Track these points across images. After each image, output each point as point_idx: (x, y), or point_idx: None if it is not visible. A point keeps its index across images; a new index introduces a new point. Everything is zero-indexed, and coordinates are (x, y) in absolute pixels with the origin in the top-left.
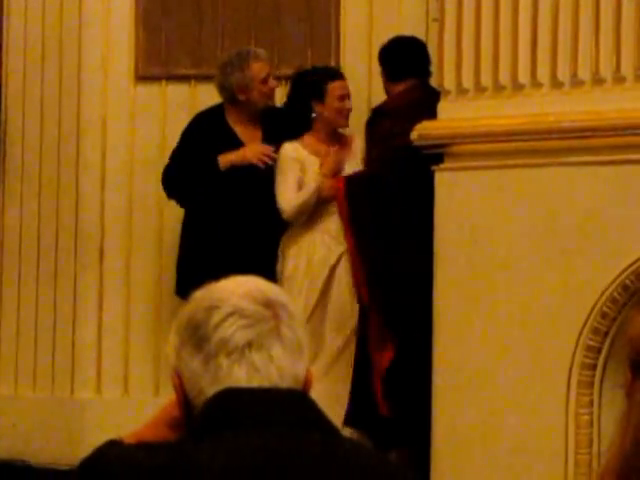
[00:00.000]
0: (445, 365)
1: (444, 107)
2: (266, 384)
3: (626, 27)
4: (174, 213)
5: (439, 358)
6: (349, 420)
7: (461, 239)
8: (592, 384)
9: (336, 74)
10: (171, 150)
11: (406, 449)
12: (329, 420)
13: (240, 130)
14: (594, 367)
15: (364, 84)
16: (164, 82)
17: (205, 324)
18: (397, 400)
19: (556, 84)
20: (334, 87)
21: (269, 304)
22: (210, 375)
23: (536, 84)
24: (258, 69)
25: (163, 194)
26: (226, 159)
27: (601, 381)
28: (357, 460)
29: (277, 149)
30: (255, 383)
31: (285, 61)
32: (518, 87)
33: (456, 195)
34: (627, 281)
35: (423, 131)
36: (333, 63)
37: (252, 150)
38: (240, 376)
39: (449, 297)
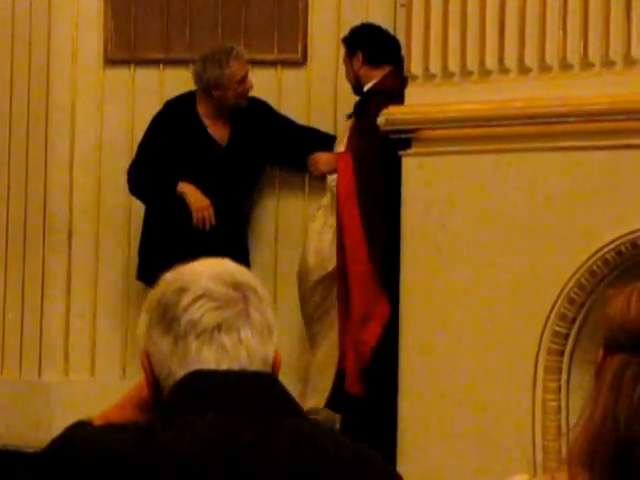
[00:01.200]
0: (410, 348)
1: (411, 92)
2: (235, 366)
3: (594, 13)
4: None
5: (405, 340)
6: (328, 403)
7: (428, 224)
8: (560, 370)
9: None
10: (139, 135)
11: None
12: (297, 404)
13: (210, 123)
14: (561, 353)
15: (331, 70)
16: (133, 66)
17: (175, 305)
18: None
19: (524, 70)
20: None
21: (238, 286)
22: (179, 356)
23: (504, 70)
24: (237, 68)
25: None
26: (182, 189)
27: (569, 367)
28: (324, 445)
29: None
30: (224, 365)
31: (252, 46)
32: (485, 73)
33: (423, 180)
34: (594, 267)
35: (390, 116)
36: (300, 49)
37: (197, 204)
38: (209, 358)
39: (416, 281)
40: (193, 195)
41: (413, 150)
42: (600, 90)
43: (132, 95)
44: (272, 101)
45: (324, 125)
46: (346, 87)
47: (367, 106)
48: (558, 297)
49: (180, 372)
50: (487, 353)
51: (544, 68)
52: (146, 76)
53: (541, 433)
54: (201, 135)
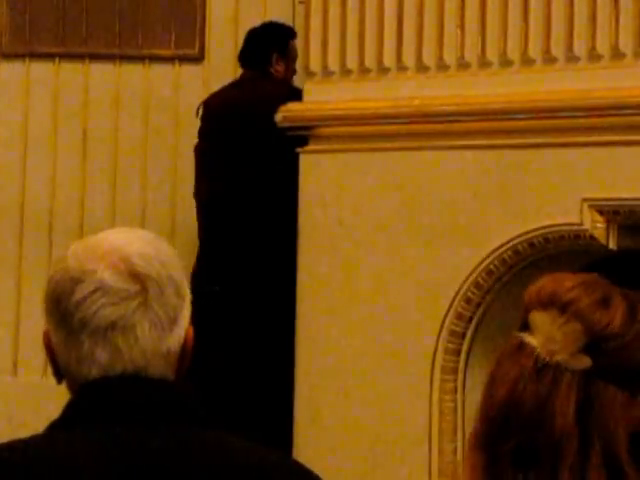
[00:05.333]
0: (306, 350)
1: (309, 89)
2: (130, 368)
3: (491, 12)
4: (42, 190)
5: (300, 343)
6: None
7: (325, 223)
8: (456, 370)
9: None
10: (33, 129)
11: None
12: (199, 410)
13: None
14: (458, 353)
15: (230, 66)
16: (27, 60)
17: (67, 299)
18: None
19: (422, 68)
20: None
21: (137, 278)
22: (73, 352)
23: (402, 68)
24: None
25: (29, 171)
26: None
27: (465, 367)
28: (224, 453)
29: None
30: (118, 367)
31: (149, 42)
32: (384, 70)
33: (321, 178)
34: (492, 266)
35: (288, 113)
36: (198, 44)
37: None
38: (102, 359)
39: (312, 282)
40: None
41: (310, 147)
42: (498, 89)
43: (26, 89)
44: (170, 97)
45: None
46: None
47: None
48: (455, 296)
49: (74, 368)
50: (384, 354)
51: (441, 66)
52: (41, 70)
53: (437, 434)
54: None
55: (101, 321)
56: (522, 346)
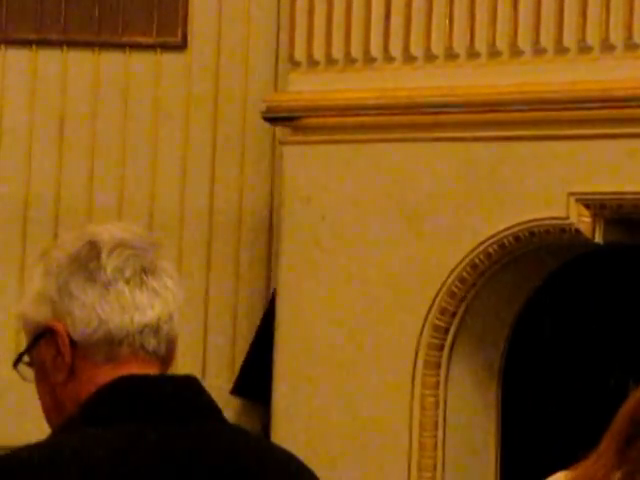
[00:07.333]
0: (287, 344)
1: (294, 79)
2: (165, 310)
3: (480, 2)
4: (18, 179)
5: (281, 337)
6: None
7: (308, 215)
8: (439, 365)
9: None
10: (8, 116)
11: None
12: (217, 405)
13: None
14: (441, 347)
15: (213, 54)
16: (3, 46)
17: (95, 256)
18: None
19: (409, 58)
20: None
21: (146, 237)
22: (111, 303)
23: (388, 58)
24: None
25: (3, 160)
26: None
27: (448, 362)
28: (260, 448)
29: None
30: (157, 308)
31: (130, 29)
32: (370, 60)
33: (304, 170)
34: (476, 260)
35: (272, 103)
36: (180, 32)
37: None
38: (143, 301)
39: (294, 275)
40: None
41: (294, 138)
42: (486, 80)
43: (2, 76)
44: (151, 86)
45: (204, 111)
46: (228, 72)
47: None
48: (439, 291)
49: (116, 318)
50: (366, 347)
51: (429, 57)
52: (17, 57)
53: (418, 429)
54: None
55: (135, 267)
56: None
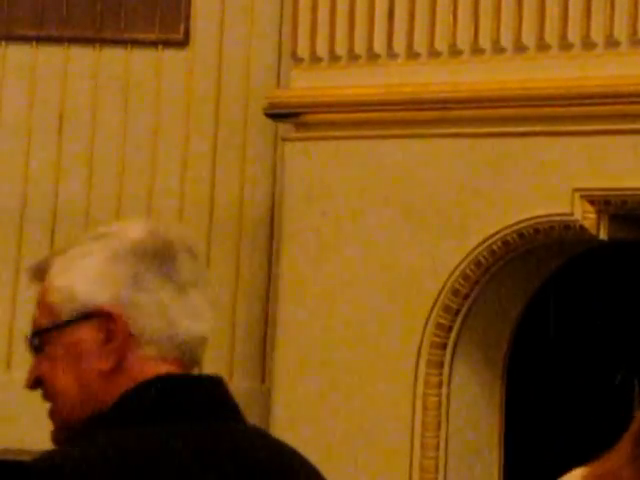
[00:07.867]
0: (288, 339)
1: (297, 75)
2: (211, 323)
3: None
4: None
5: (282, 333)
6: None
7: (310, 211)
8: (442, 364)
9: None
10: (7, 114)
11: None
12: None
13: None
14: (444, 346)
15: (215, 51)
16: (4, 43)
17: (172, 256)
18: None
19: (412, 55)
20: None
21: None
22: (182, 305)
23: (392, 54)
24: None
25: (2, 157)
26: None
27: (451, 361)
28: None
29: None
30: (212, 321)
31: (132, 26)
32: (373, 57)
33: (306, 166)
34: (480, 258)
35: (274, 99)
36: (182, 29)
37: None
38: (204, 309)
39: (296, 271)
40: None
41: (297, 135)
42: (490, 76)
43: (2, 73)
44: (152, 83)
45: (206, 107)
46: (230, 69)
47: None
48: (443, 288)
49: (184, 322)
50: (369, 345)
51: (433, 53)
52: (18, 53)
53: (420, 429)
54: None
55: (197, 274)
56: None
